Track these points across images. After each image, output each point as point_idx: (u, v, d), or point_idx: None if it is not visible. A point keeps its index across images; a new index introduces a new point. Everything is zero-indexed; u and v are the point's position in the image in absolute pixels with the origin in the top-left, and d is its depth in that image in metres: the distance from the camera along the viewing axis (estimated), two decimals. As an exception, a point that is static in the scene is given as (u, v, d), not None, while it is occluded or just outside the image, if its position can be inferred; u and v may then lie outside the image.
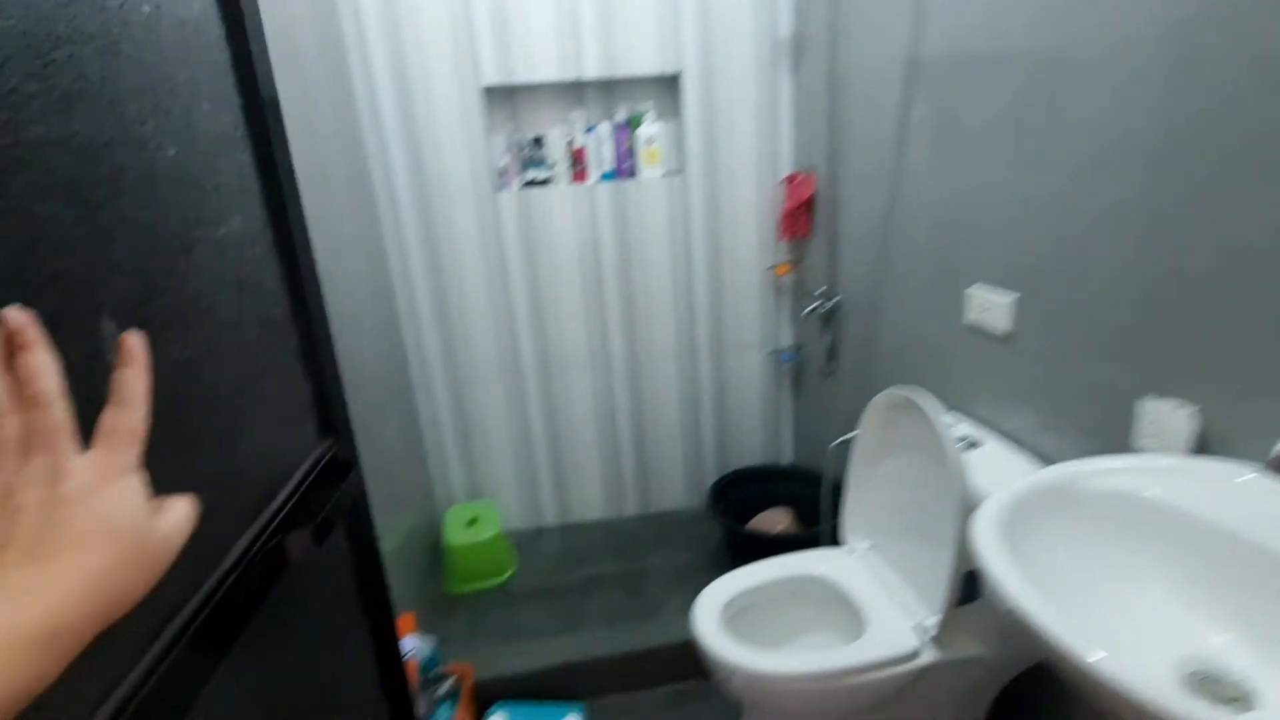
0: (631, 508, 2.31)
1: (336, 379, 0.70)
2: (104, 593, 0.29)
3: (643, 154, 1.94)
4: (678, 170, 1.99)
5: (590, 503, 2.27)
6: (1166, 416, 0.87)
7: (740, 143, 1.95)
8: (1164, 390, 0.88)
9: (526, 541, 2.19)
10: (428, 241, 1.92)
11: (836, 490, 1.61)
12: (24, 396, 0.30)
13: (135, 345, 0.36)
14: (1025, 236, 1.10)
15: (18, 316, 0.31)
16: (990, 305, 1.19)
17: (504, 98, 1.90)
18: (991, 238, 1.18)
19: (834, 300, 1.81)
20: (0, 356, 0.30)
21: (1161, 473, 0.79)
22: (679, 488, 2.30)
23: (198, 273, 0.48)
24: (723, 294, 2.09)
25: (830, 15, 1.62)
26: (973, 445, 1.20)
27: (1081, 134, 0.96)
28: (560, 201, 1.94)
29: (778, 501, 2.08)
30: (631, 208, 1.97)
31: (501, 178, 1.93)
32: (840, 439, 1.48)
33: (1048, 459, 1.10)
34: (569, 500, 2.26)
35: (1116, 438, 0.95)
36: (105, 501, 0.31)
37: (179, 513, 0.36)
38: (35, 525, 0.28)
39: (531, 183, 1.94)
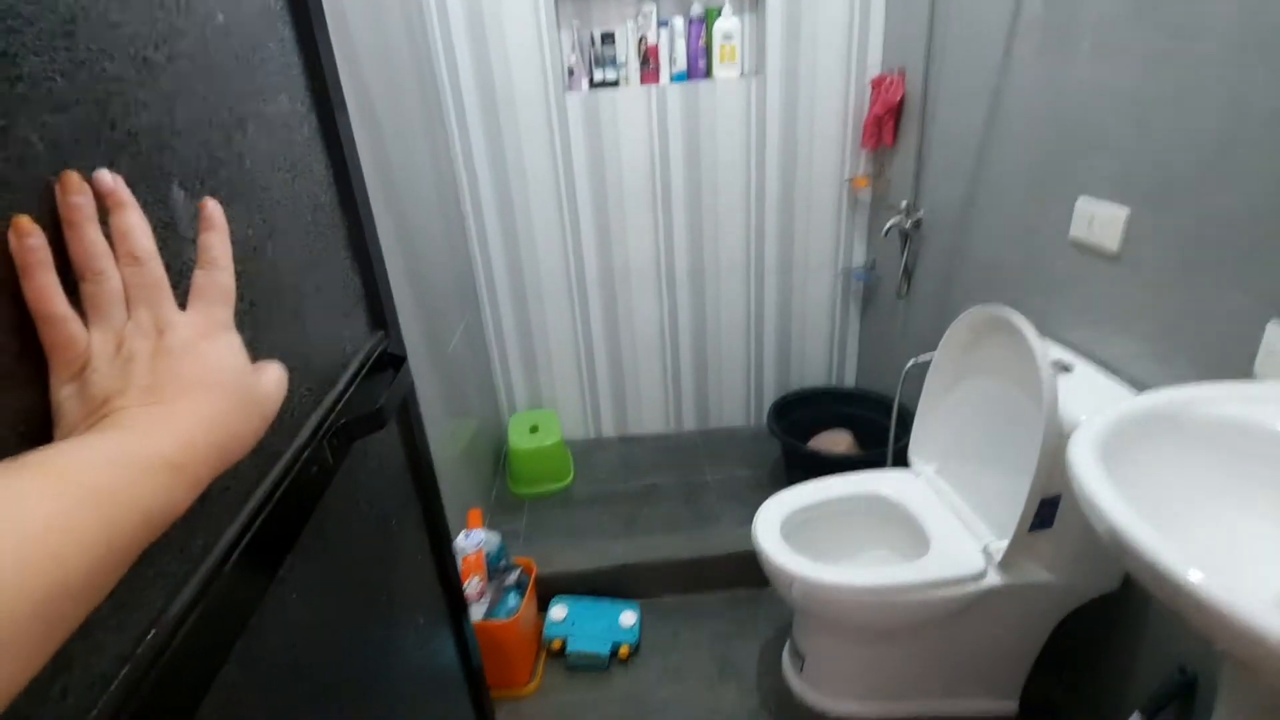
0: (690, 423, 2.32)
1: (384, 273, 0.70)
2: (220, 434, 0.30)
3: (719, 52, 1.82)
4: (756, 71, 1.86)
5: (649, 416, 2.30)
6: (1300, 343, 0.79)
7: (825, 40, 1.80)
8: (1301, 314, 0.80)
9: (586, 450, 2.24)
10: (493, 148, 1.88)
11: (903, 415, 1.57)
12: (121, 254, 0.31)
13: (215, 210, 0.37)
14: (1146, 143, 0.99)
15: (108, 179, 0.31)
16: (1100, 219, 1.09)
17: (573, -11, 1.79)
18: (1106, 145, 1.07)
19: (916, 216, 1.70)
20: (95, 216, 0.30)
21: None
22: (739, 405, 2.30)
23: (253, 149, 0.47)
24: (795, 208, 2.00)
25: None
26: (1065, 369, 1.13)
27: (1215, 26, 0.83)
28: (630, 104, 1.86)
29: (839, 424, 2.05)
30: (704, 111, 1.87)
31: (570, 78, 1.85)
32: (914, 360, 1.42)
33: (1145, 387, 1.03)
34: (628, 413, 2.29)
35: (1236, 365, 0.87)
36: (210, 353, 0.32)
37: (275, 372, 0.37)
38: (148, 372, 0.29)
39: (601, 83, 1.86)
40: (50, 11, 0.30)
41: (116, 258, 0.31)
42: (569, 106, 1.85)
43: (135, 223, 0.32)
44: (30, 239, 0.27)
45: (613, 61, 1.84)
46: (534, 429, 2.08)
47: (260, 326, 0.46)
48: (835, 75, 1.84)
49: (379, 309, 0.69)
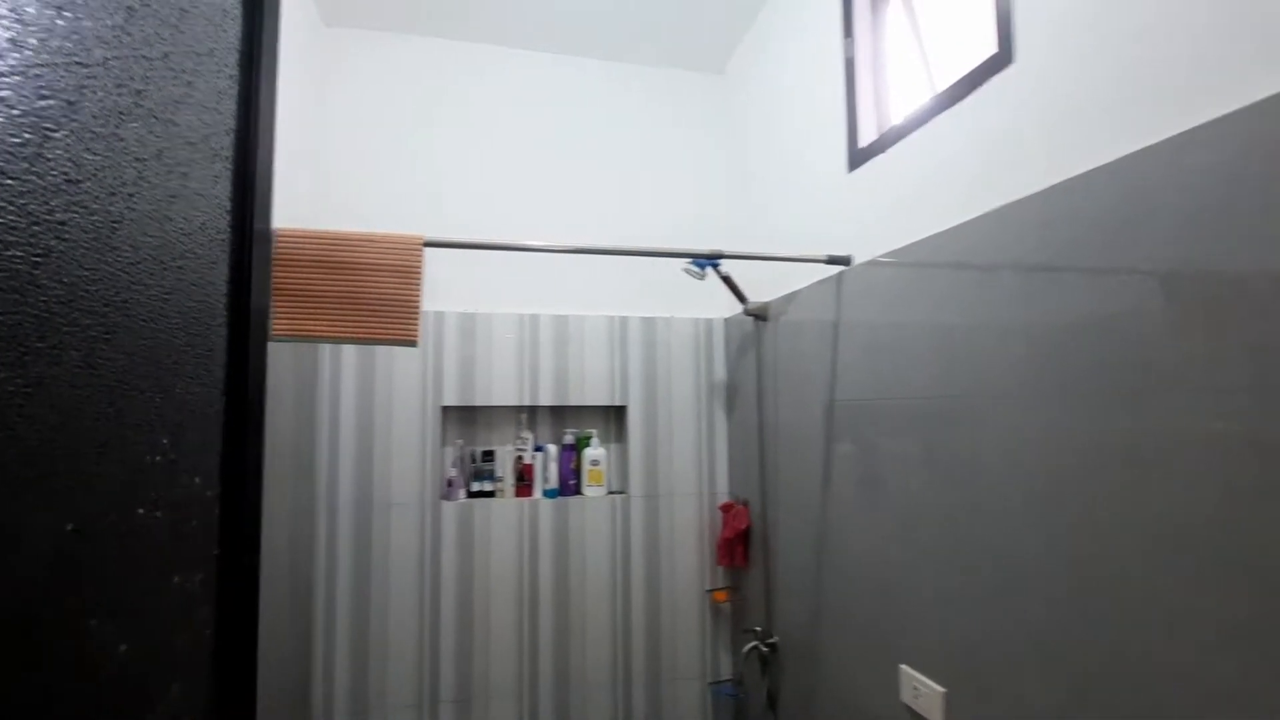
0: None
1: None
2: None
3: (587, 473, 2.02)
4: (620, 490, 2.07)
5: None
6: None
7: (680, 470, 2.07)
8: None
9: None
10: (358, 550, 1.86)
11: None
12: None
13: None
14: (952, 621, 1.13)
15: None
16: (924, 693, 1.18)
17: (460, 414, 2.02)
18: (916, 614, 1.21)
19: (771, 640, 1.76)
20: None
21: None
22: None
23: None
24: (661, 616, 2.03)
25: (756, 371, 1.86)
26: None
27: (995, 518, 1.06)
28: (503, 513, 1.96)
29: None
30: (573, 523, 1.99)
31: (449, 487, 1.95)
32: (782, 828, 1.32)
33: None
34: None
35: None
36: None
37: None
38: None
39: (478, 494, 1.98)
40: None
41: None
42: (444, 513, 1.92)
43: None
44: None
45: (490, 475, 2.00)
46: None
47: None
48: (690, 498, 2.07)
49: None
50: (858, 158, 1.46)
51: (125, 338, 0.55)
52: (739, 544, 1.93)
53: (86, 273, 0.50)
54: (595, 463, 2.02)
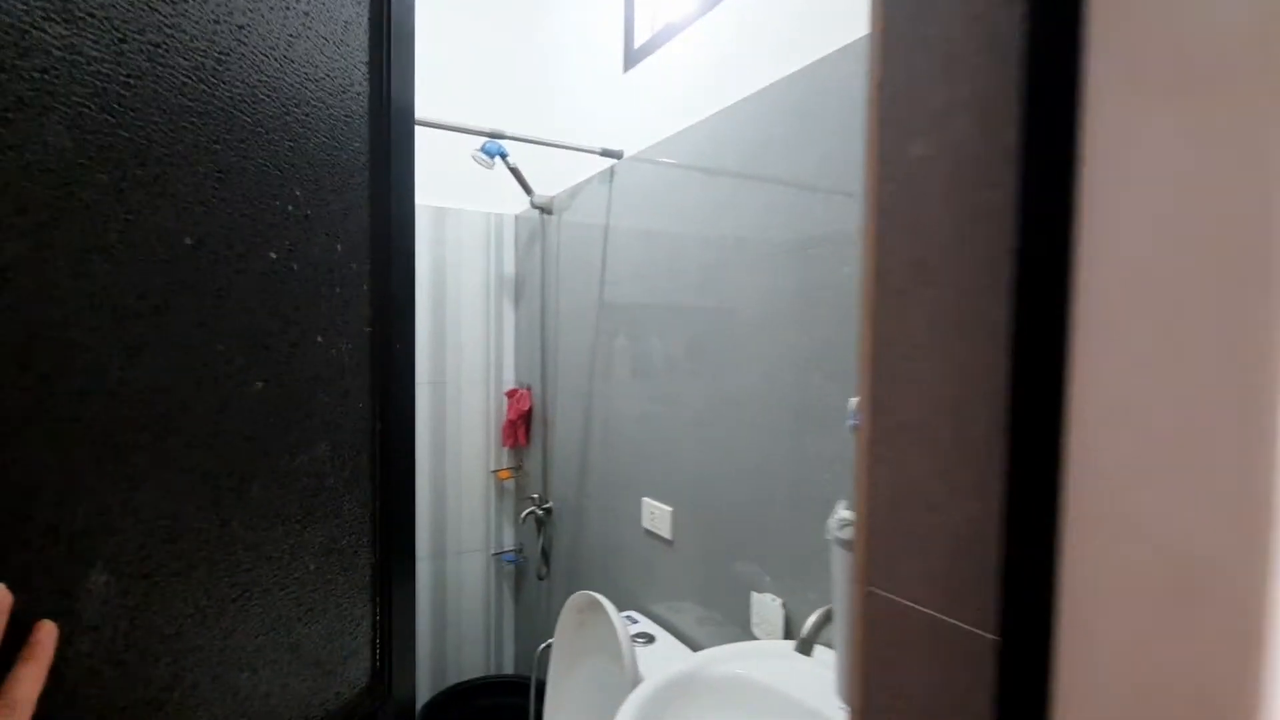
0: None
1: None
2: None
3: (371, 361, 2.01)
4: (407, 378, 2.09)
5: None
6: (767, 607, 1.12)
7: (469, 359, 2.14)
8: (764, 588, 1.14)
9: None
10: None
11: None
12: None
13: (47, 640, 0.34)
14: (677, 458, 1.39)
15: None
16: (658, 514, 1.43)
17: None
18: (656, 457, 1.46)
19: (547, 505, 1.96)
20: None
21: (747, 655, 1.00)
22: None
23: None
24: (446, 498, 2.13)
25: (540, 265, 1.98)
26: (650, 640, 1.35)
27: (713, 374, 1.30)
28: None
29: (498, 717, 1.99)
30: (355, 411, 1.99)
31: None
32: (544, 644, 1.54)
33: (702, 648, 1.29)
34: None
35: (745, 627, 1.18)
36: None
37: None
38: None
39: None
40: None
41: None
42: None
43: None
44: None
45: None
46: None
47: None
48: (478, 385, 2.16)
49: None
50: (634, 57, 1.59)
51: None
52: (522, 425, 2.08)
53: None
54: (380, 350, 2.02)
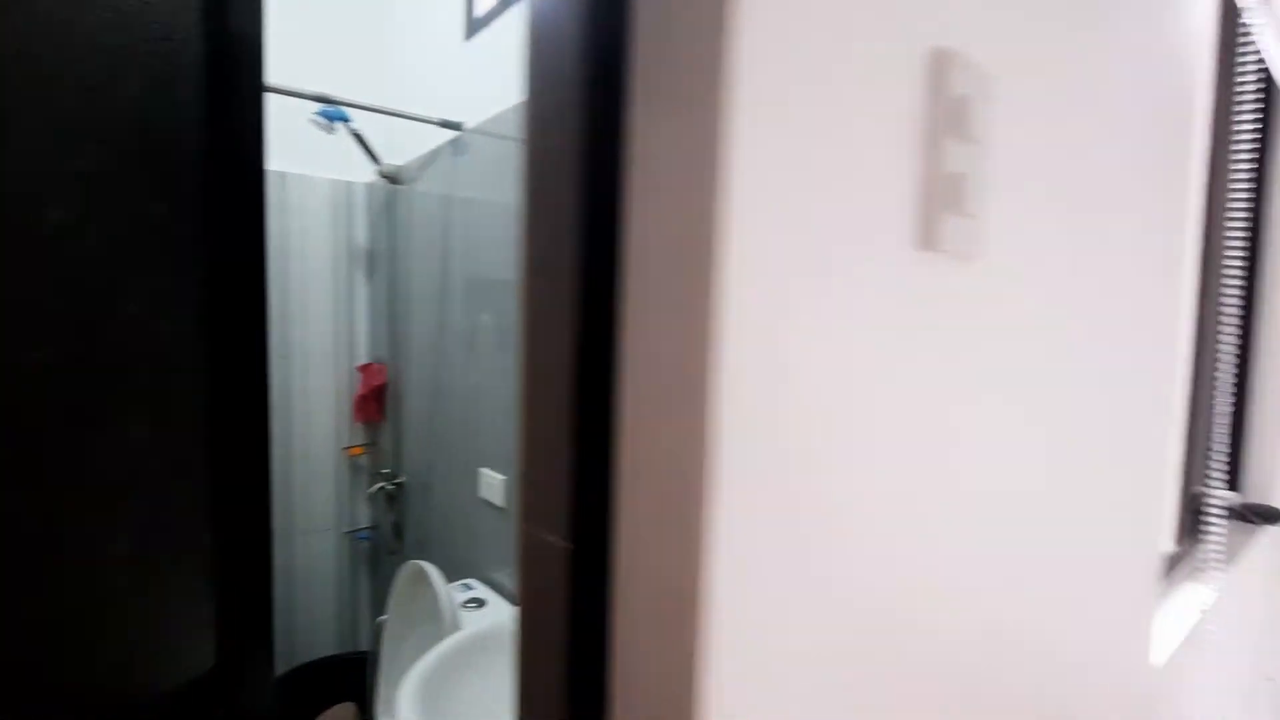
0: None
1: None
2: None
3: (204, 334, 1.90)
4: (246, 352, 1.99)
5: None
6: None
7: (316, 332, 2.06)
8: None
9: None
10: None
11: (386, 670, 1.63)
12: None
13: None
14: (509, 429, 1.42)
15: None
16: (494, 483, 1.46)
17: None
18: (491, 428, 1.49)
19: (398, 480, 1.94)
20: None
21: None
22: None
23: None
24: (293, 475, 2.06)
25: (391, 233, 1.93)
26: (481, 604, 1.39)
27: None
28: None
29: (346, 693, 1.97)
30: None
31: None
32: (380, 617, 1.54)
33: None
34: None
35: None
36: None
37: None
38: None
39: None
40: None
41: None
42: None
43: None
44: None
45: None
46: None
47: None
48: (327, 359, 2.09)
49: None
50: (475, 25, 1.57)
51: None
52: (374, 400, 2.04)
53: None
54: (213, 322, 1.90)
